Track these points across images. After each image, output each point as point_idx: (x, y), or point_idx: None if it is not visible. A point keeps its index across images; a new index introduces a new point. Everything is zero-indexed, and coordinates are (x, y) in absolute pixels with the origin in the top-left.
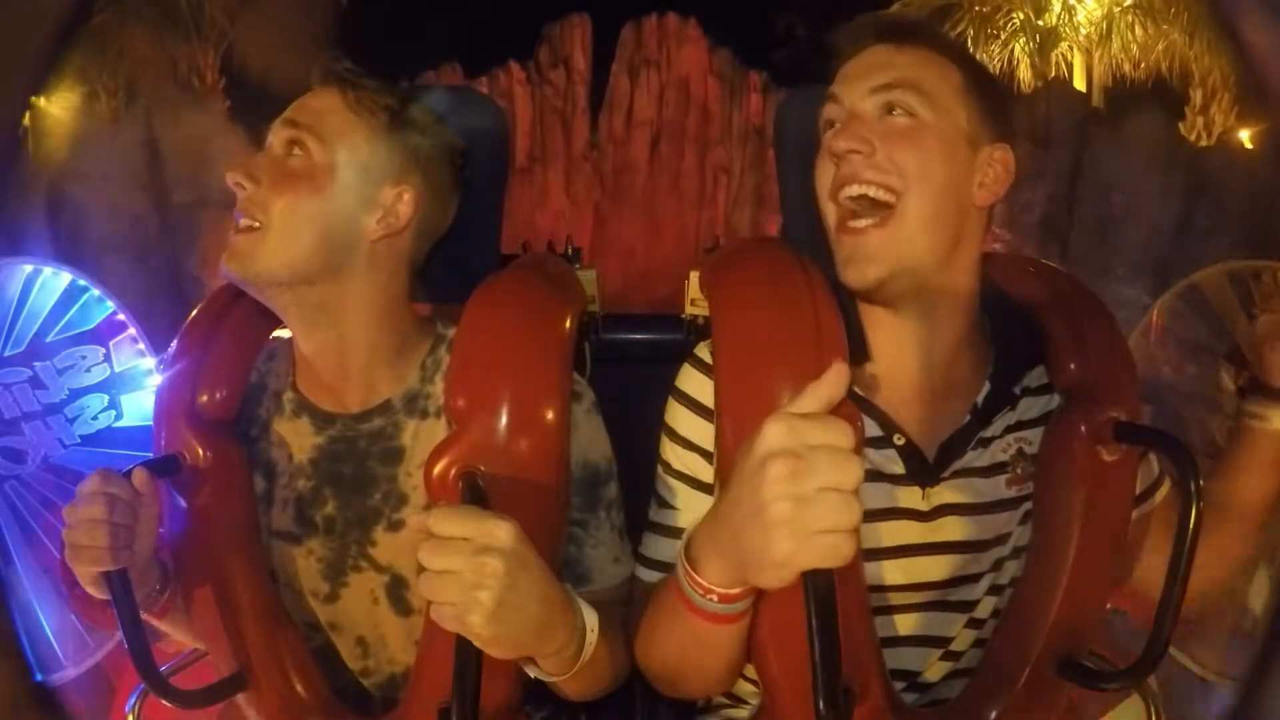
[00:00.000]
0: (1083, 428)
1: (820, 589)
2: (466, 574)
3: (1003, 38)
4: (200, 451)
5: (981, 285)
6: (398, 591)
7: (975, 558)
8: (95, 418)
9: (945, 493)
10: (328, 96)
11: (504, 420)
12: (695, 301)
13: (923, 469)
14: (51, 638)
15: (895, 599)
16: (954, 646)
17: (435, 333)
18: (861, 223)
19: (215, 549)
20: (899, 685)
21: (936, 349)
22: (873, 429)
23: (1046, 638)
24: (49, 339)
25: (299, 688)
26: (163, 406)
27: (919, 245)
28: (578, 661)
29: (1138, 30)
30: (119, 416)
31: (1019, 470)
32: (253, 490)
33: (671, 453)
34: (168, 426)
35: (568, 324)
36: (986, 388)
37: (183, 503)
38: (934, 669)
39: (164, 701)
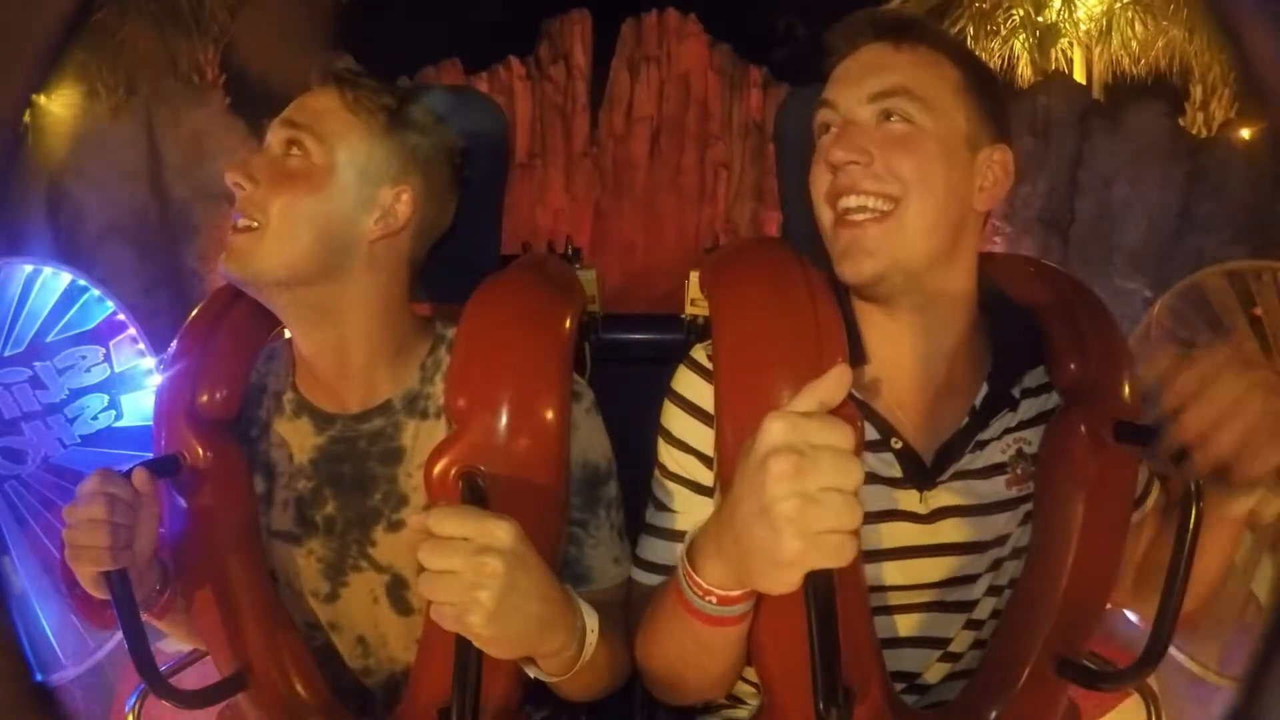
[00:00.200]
0: (1083, 428)
1: (820, 590)
2: (466, 574)
3: (1003, 34)
4: (200, 451)
5: (980, 286)
6: (398, 591)
7: (974, 559)
8: (95, 418)
9: (943, 495)
10: (327, 96)
11: (504, 420)
12: (695, 301)
13: (920, 472)
14: (51, 638)
15: (894, 600)
16: (953, 648)
17: (435, 333)
18: (860, 216)
19: (215, 549)
20: (898, 687)
21: (934, 351)
22: (870, 432)
23: (1046, 638)
24: (49, 339)
25: (299, 688)
26: (163, 406)
27: (917, 248)
28: (578, 662)
29: (1137, 26)
30: (119, 416)
31: (1018, 470)
32: (253, 490)
33: (668, 455)
34: (168, 426)
35: (568, 324)
36: (984, 390)
37: (183, 503)
38: (933, 670)
39: (164, 701)
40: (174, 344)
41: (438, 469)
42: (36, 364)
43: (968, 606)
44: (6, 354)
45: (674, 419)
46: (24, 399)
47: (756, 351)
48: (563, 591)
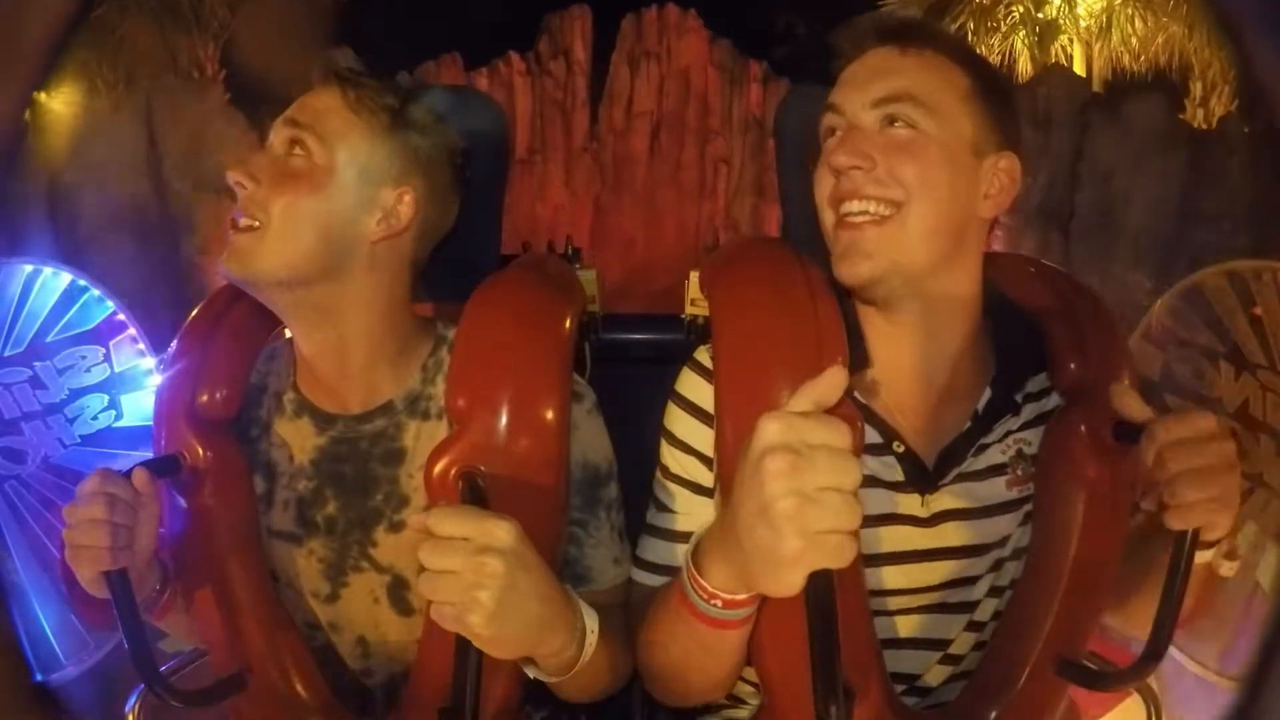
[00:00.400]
0: (1083, 428)
1: (820, 591)
2: (466, 574)
3: (1003, 30)
4: (200, 451)
5: (984, 290)
6: (399, 592)
7: (975, 561)
8: (95, 418)
9: (945, 499)
10: (329, 96)
11: (504, 420)
12: (695, 301)
13: (922, 476)
14: (51, 638)
15: (895, 603)
16: (954, 650)
17: (436, 334)
18: (860, 219)
19: (215, 549)
20: (899, 688)
21: (937, 355)
22: (872, 436)
23: (1046, 638)
24: (49, 339)
25: (299, 688)
26: (163, 406)
27: (917, 252)
28: (578, 662)
29: (1137, 23)
30: (119, 416)
31: (1018, 471)
32: (253, 490)
33: (670, 456)
34: (168, 426)
35: (568, 324)
36: (988, 394)
37: (183, 503)
38: (934, 672)
39: (164, 701)
40: (174, 344)
41: (438, 469)
42: (36, 364)
43: (969, 608)
44: (6, 354)
45: (676, 420)
46: (24, 399)
47: (756, 351)
48: (563, 592)
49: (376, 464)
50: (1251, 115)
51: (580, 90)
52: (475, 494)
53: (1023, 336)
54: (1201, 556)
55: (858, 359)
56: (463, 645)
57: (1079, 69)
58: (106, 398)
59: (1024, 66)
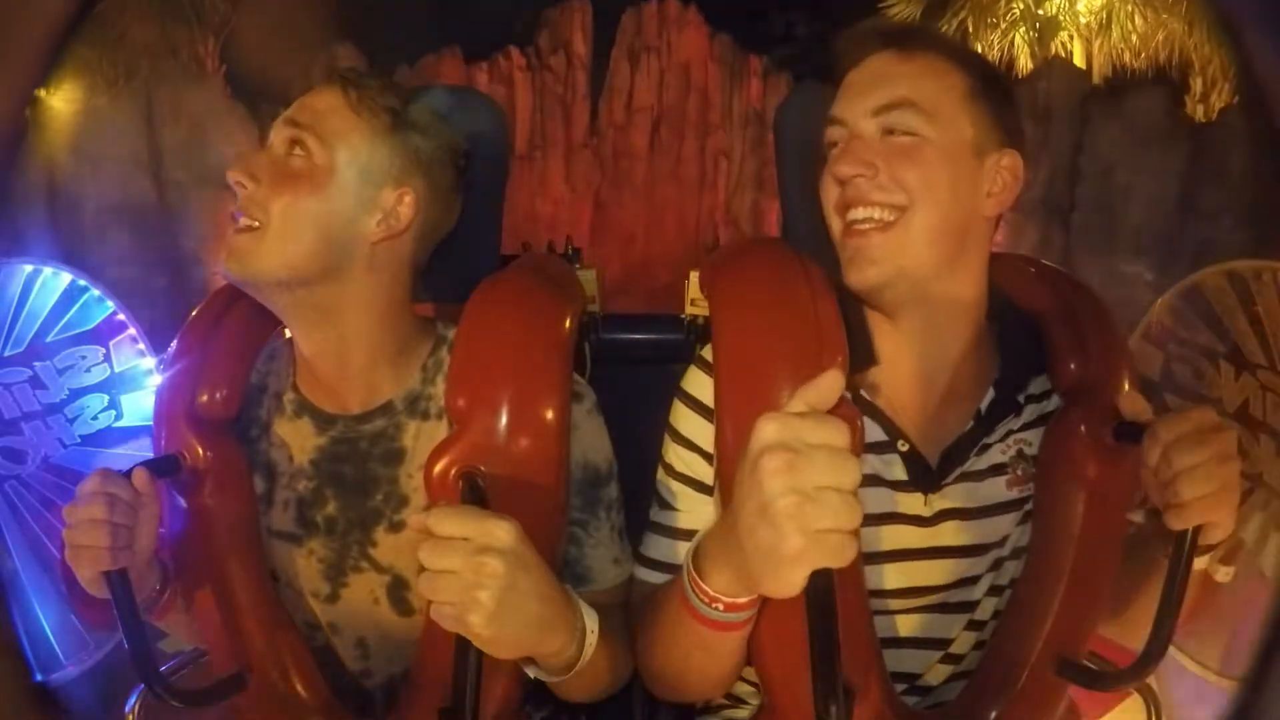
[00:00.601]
0: (1083, 428)
1: (820, 590)
2: (466, 574)
3: (1002, 27)
4: (200, 451)
5: (988, 291)
6: (398, 592)
7: (975, 560)
8: (95, 418)
9: (947, 498)
10: (330, 96)
11: (504, 420)
12: (695, 301)
13: (925, 475)
14: (51, 638)
15: (895, 603)
16: (954, 649)
17: (436, 334)
18: (866, 225)
19: (215, 549)
20: (900, 688)
21: (941, 356)
22: (876, 434)
23: (1046, 638)
24: (49, 339)
25: (299, 688)
26: (163, 406)
27: (922, 255)
28: (578, 662)
29: (1137, 20)
30: (119, 416)
31: (1019, 471)
32: (253, 490)
33: (674, 454)
34: (168, 426)
35: (568, 324)
36: (991, 394)
37: (183, 503)
38: (935, 672)
39: (164, 701)
40: (174, 344)
41: (438, 469)
42: (36, 364)
43: (969, 607)
44: (6, 354)
45: (682, 418)
46: (24, 399)
47: (756, 351)
48: (563, 592)
49: (376, 464)
50: (1251, 114)
51: (580, 85)
52: (475, 494)
53: (1025, 337)
54: (1198, 563)
55: (863, 357)
56: (463, 645)
57: (1079, 65)
58: (106, 398)
59: (1024, 63)
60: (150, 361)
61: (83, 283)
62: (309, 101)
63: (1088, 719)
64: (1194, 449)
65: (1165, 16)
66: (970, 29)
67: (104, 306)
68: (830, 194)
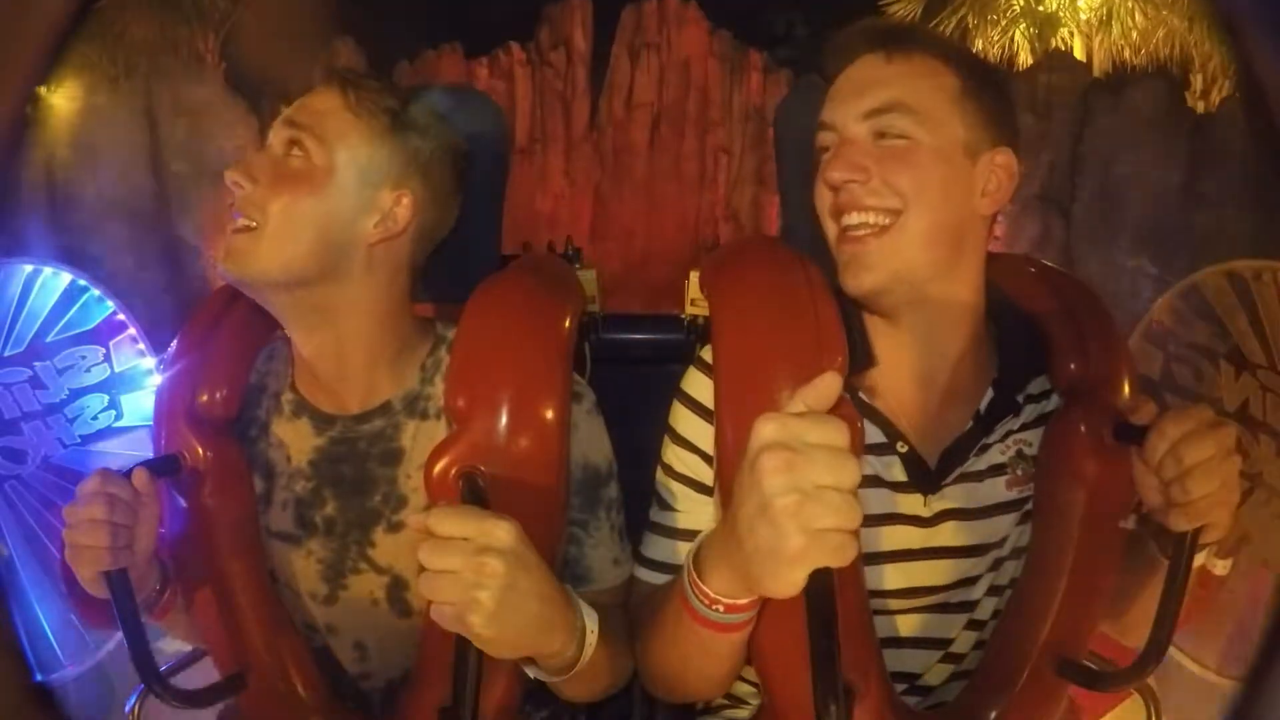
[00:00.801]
0: (1083, 428)
1: (820, 590)
2: (466, 574)
3: (1002, 24)
4: (200, 451)
5: (986, 291)
6: (398, 593)
7: (975, 560)
8: (95, 418)
9: (946, 499)
10: (329, 97)
11: (504, 420)
12: (695, 301)
13: (925, 476)
14: (51, 638)
15: (895, 603)
16: (954, 649)
17: (435, 334)
18: (861, 231)
19: (215, 549)
20: (900, 688)
21: (939, 357)
22: (876, 435)
23: (1046, 638)
24: (49, 339)
25: (299, 688)
26: (163, 406)
27: (918, 258)
28: (578, 662)
29: (1137, 16)
30: (119, 416)
31: (1018, 472)
32: (253, 490)
33: (674, 455)
34: (168, 426)
35: (567, 324)
36: (990, 395)
37: (183, 503)
38: (935, 672)
39: (164, 701)
40: (174, 344)
41: (438, 469)
42: (36, 364)
43: (969, 607)
44: (6, 354)
45: (681, 419)
46: (24, 399)
47: (755, 351)
48: (563, 592)
49: (375, 464)
50: (1251, 114)
51: (580, 80)
52: (475, 494)
53: (1025, 337)
54: (1196, 559)
55: (862, 359)
56: (463, 645)
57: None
58: (106, 398)
59: (1024, 60)
60: (150, 361)
61: (83, 283)
62: (308, 102)
63: (1088, 719)
64: (1201, 445)
65: (1165, 13)
66: (970, 26)
67: (104, 306)
68: (824, 199)
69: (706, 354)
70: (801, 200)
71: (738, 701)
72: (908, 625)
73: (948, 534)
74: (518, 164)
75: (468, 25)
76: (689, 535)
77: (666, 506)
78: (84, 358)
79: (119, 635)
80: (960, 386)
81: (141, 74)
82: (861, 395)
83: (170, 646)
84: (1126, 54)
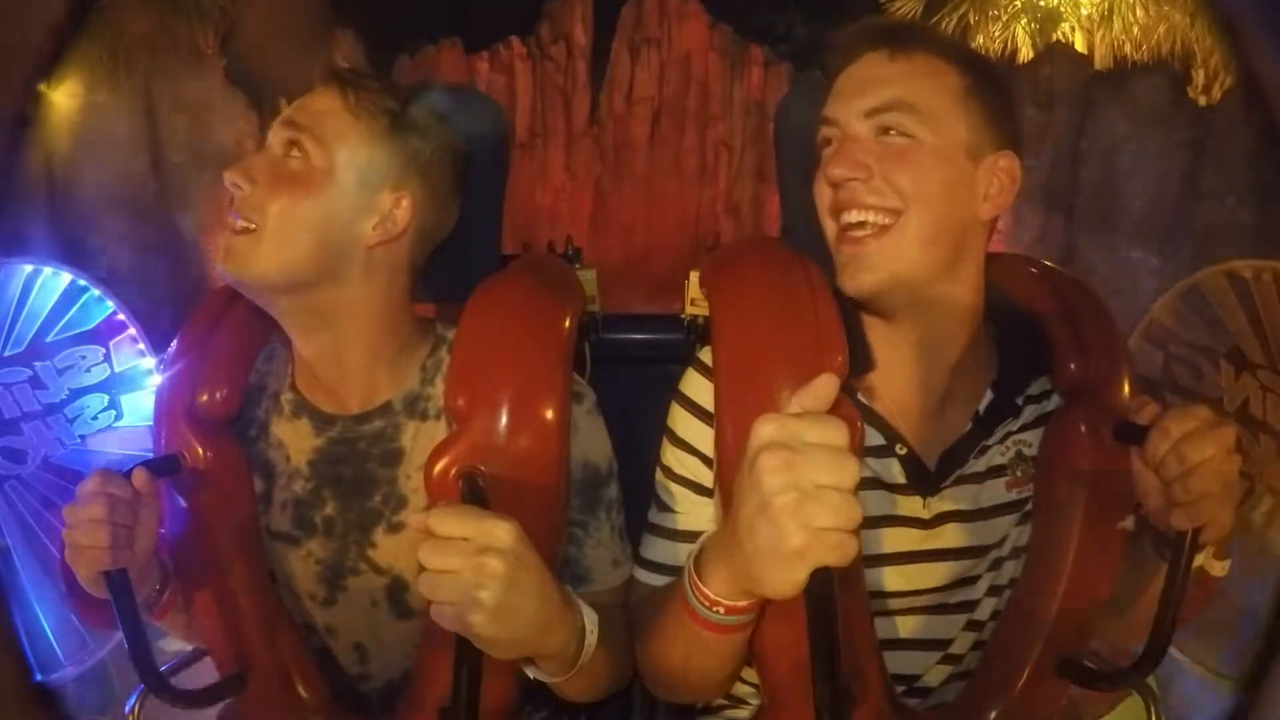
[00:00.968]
0: (1083, 428)
1: (820, 590)
2: (467, 574)
3: (1004, 19)
4: (200, 451)
5: (986, 293)
6: (397, 595)
7: (975, 561)
8: (95, 418)
9: (946, 501)
10: (328, 97)
11: (504, 420)
12: (695, 301)
13: (924, 478)
14: (51, 638)
15: (895, 604)
16: (954, 650)
17: (435, 334)
18: (860, 232)
19: (215, 549)
20: (899, 690)
21: (939, 359)
22: (875, 438)
23: (1046, 638)
24: (49, 339)
25: (299, 688)
26: (163, 406)
27: (917, 260)
28: (577, 662)
29: (1139, 11)
30: (119, 416)
31: (1018, 473)
32: (253, 490)
33: (673, 456)
34: (168, 426)
35: (567, 324)
36: (989, 397)
37: (183, 503)
38: (934, 673)
39: (164, 701)
40: (174, 344)
41: (438, 469)
42: (36, 364)
43: (969, 608)
44: (6, 354)
45: (680, 421)
46: (24, 399)
47: (756, 351)
48: (563, 592)
49: (375, 465)
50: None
51: (581, 75)
52: (475, 494)
53: (1024, 338)
54: (1194, 560)
55: (861, 361)
56: (463, 645)
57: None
58: (106, 398)
59: (1025, 56)
60: (150, 361)
61: (83, 283)
62: (307, 103)
63: (1088, 719)
64: (1203, 444)
65: (1167, 8)
66: (971, 22)
67: (104, 306)
68: (824, 196)
69: (705, 356)
70: (802, 199)
71: (738, 702)
72: (907, 626)
73: (947, 536)
74: (518, 158)
75: (468, 20)
76: (688, 537)
77: (666, 508)
78: (84, 358)
79: (119, 635)
80: (959, 388)
81: (141, 69)
82: (860, 397)
83: (170, 646)
84: (1128, 49)
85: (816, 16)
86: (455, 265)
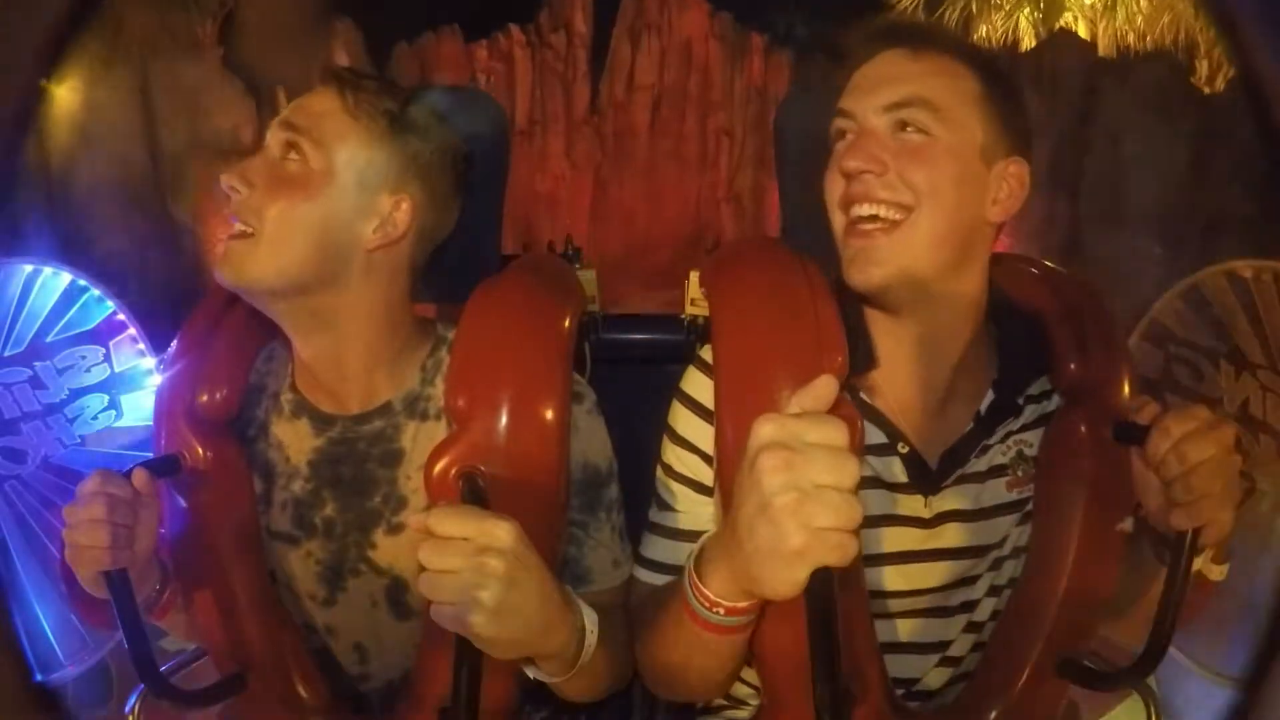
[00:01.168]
0: (1083, 428)
1: (821, 590)
2: (467, 574)
3: (1006, 8)
4: (200, 451)
5: (989, 293)
6: (397, 595)
7: (975, 561)
8: (95, 418)
9: (947, 500)
10: (327, 98)
11: (504, 420)
12: (695, 301)
13: (926, 477)
14: (51, 638)
15: (895, 604)
16: (953, 651)
17: (436, 334)
18: (871, 225)
19: (215, 549)
20: (901, 693)
21: (941, 357)
22: (877, 436)
23: (1046, 638)
24: (49, 339)
25: (300, 688)
26: (163, 406)
27: (925, 258)
28: (577, 662)
29: (1143, 1)
30: (119, 416)
31: (1019, 473)
32: (253, 490)
33: (673, 455)
34: (168, 426)
35: (567, 324)
36: (990, 396)
37: (183, 503)
38: (934, 675)
39: (164, 701)
40: (174, 344)
41: (438, 469)
42: (36, 364)
43: (968, 608)
44: (6, 354)
45: (681, 419)
46: (24, 399)
47: (756, 351)
48: (563, 592)
49: (374, 465)
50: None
51: (581, 62)
52: (475, 494)
53: (1025, 338)
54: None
55: (863, 359)
56: (463, 645)
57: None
58: (106, 398)
59: (1028, 45)
60: (150, 361)
61: (83, 283)
62: (305, 103)
63: (1088, 719)
64: (1204, 444)
65: None
66: (974, 11)
67: (104, 306)
68: (835, 188)
69: (706, 353)
70: (802, 200)
71: (738, 703)
72: (906, 628)
73: (948, 535)
74: (518, 146)
75: (467, 7)
76: (689, 536)
77: (666, 507)
78: (84, 358)
79: (119, 635)
80: (961, 387)
81: (138, 56)
82: (862, 395)
83: (170, 646)
84: (1131, 39)
85: (817, 16)
86: (455, 265)
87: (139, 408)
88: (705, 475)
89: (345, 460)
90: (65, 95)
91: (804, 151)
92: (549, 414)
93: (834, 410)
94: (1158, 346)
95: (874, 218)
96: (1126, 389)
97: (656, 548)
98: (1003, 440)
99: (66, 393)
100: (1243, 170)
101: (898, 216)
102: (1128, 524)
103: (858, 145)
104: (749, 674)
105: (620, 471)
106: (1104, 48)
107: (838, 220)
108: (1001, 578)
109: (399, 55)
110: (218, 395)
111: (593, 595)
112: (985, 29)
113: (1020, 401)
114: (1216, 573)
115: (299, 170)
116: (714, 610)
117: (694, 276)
